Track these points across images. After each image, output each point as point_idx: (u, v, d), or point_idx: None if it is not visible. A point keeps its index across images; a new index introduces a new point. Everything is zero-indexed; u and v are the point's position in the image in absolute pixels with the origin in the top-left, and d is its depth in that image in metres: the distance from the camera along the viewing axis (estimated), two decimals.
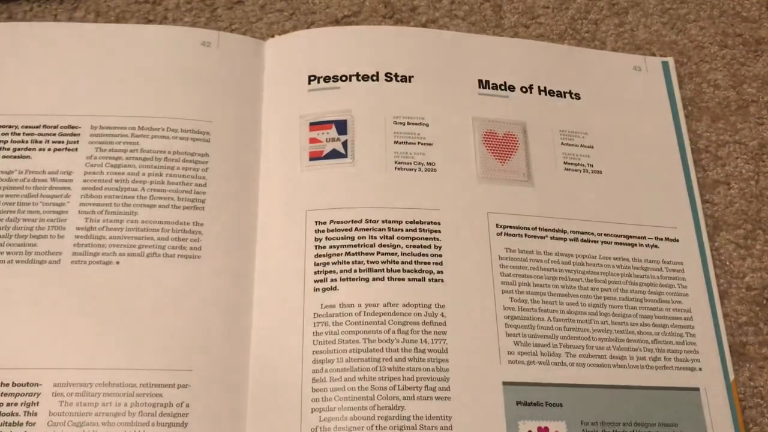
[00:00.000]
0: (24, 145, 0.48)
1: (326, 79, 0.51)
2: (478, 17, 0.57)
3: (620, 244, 0.49)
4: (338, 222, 0.46)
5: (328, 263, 0.45)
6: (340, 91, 0.50)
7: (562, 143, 0.51)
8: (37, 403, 0.41)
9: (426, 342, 0.44)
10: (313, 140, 0.49)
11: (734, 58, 0.58)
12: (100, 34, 0.52)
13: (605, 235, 0.49)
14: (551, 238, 0.48)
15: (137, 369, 0.43)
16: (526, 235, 0.48)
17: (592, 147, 0.51)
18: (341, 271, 0.45)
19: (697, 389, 0.46)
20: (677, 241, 0.50)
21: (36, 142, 0.48)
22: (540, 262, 0.47)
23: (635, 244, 0.49)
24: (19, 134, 0.48)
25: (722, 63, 0.57)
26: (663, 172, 0.52)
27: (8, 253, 0.45)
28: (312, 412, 0.42)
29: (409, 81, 0.51)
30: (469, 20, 0.57)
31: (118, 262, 0.45)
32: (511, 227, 0.48)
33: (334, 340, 0.44)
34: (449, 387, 0.43)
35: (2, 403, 0.41)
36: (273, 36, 0.53)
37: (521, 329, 0.45)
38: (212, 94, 0.50)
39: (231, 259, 0.46)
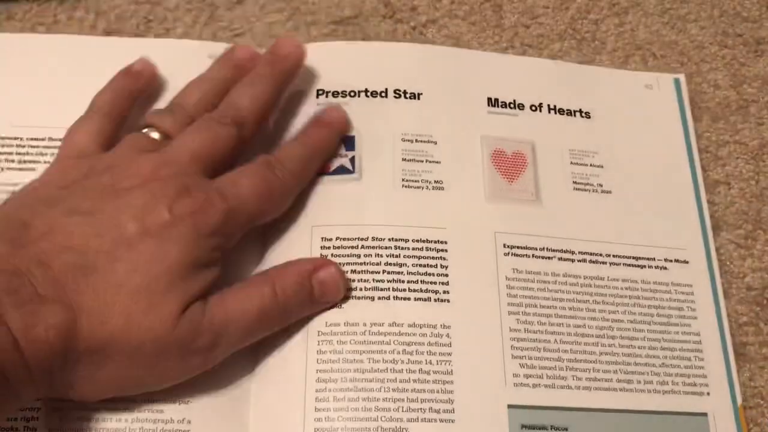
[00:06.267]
0: (29, 158, 0.47)
1: (335, 94, 0.50)
2: (478, 17, 0.57)
3: (629, 265, 0.48)
4: (344, 239, 0.46)
5: None
6: (347, 108, 0.49)
7: (571, 162, 0.51)
8: (37, 418, 0.41)
9: (431, 363, 0.43)
10: None
11: (734, 58, 0.58)
12: (107, 47, 0.52)
13: (614, 256, 0.48)
14: (559, 258, 0.47)
15: None
16: (533, 255, 0.47)
17: (602, 166, 0.51)
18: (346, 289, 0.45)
19: (705, 414, 0.45)
20: (687, 263, 0.49)
21: (41, 154, 0.47)
22: (547, 283, 0.47)
23: (644, 266, 0.48)
24: (24, 146, 0.48)
25: (722, 63, 0.58)
26: (673, 192, 0.51)
27: None
28: (315, 431, 0.42)
29: (418, 98, 0.51)
30: (469, 20, 0.57)
31: None
32: (518, 247, 0.47)
33: (338, 359, 0.43)
34: (454, 409, 0.42)
35: None
36: (274, 37, 0.53)
37: (527, 351, 0.45)
38: None
39: (234, 271, 0.45)
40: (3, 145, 0.48)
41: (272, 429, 0.42)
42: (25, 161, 0.47)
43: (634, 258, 0.48)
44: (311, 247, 0.46)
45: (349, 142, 0.49)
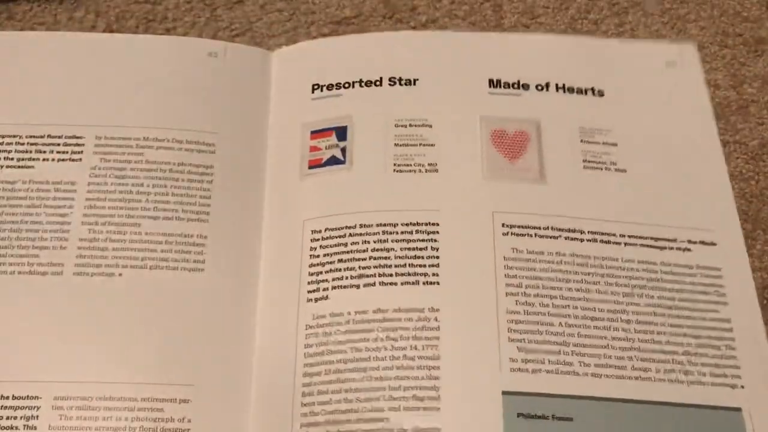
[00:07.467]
0: (28, 155, 0.48)
1: (329, 87, 0.50)
2: (478, 17, 0.57)
3: (646, 246, 0.45)
4: (332, 229, 0.45)
5: (321, 272, 0.44)
6: (342, 98, 0.49)
7: (581, 140, 0.48)
8: (37, 416, 0.41)
9: (416, 349, 0.41)
10: (313, 148, 0.48)
11: (734, 58, 0.57)
12: (106, 44, 0.53)
13: (629, 236, 0.45)
14: (565, 238, 0.44)
15: (138, 383, 0.42)
16: (536, 234, 0.44)
17: (616, 144, 0.48)
18: (333, 279, 0.43)
19: (739, 409, 0.41)
20: (714, 245, 0.45)
21: (40, 152, 0.48)
22: (551, 263, 0.44)
23: (664, 247, 0.45)
24: (23, 144, 0.49)
25: (722, 63, 0.57)
26: (701, 171, 0.48)
27: (10, 264, 0.45)
28: (301, 427, 0.40)
29: (414, 84, 0.50)
30: (469, 20, 0.57)
31: (120, 274, 0.45)
32: (518, 227, 0.45)
33: (323, 352, 0.42)
34: (439, 396, 0.40)
35: (1, 417, 0.41)
36: (274, 36, 0.53)
37: (527, 334, 0.42)
38: (218, 106, 0.50)
39: (235, 272, 0.45)
40: (2, 143, 0.49)
41: (268, 428, 0.41)
42: (23, 159, 0.48)
43: (652, 239, 0.45)
44: (302, 242, 0.45)
45: (341, 133, 0.48)
